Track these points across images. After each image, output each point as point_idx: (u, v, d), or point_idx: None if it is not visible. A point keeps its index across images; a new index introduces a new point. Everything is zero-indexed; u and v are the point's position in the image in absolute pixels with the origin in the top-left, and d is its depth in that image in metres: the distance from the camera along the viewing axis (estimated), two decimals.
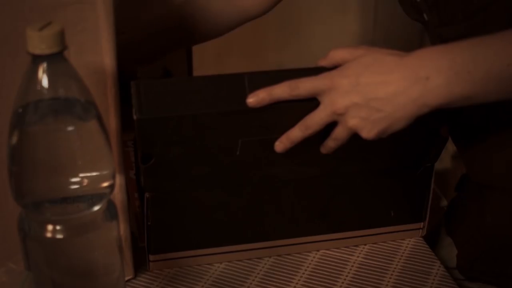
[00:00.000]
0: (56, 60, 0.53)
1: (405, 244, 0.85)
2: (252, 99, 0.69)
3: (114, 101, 0.67)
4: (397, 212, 0.83)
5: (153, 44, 0.95)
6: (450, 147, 0.89)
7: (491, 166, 0.81)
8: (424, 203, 0.84)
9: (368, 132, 0.68)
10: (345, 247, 0.84)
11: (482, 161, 0.82)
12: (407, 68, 0.65)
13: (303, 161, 0.75)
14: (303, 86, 0.68)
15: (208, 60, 1.45)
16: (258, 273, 0.79)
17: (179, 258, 0.79)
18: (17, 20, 0.60)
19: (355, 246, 0.84)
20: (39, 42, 0.52)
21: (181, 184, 0.75)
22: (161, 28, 0.96)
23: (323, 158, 0.74)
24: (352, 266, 0.81)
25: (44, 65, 0.53)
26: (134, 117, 0.68)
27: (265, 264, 0.81)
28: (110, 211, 0.60)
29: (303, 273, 0.79)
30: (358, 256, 0.82)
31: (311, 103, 0.69)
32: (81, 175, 0.55)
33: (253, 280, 0.78)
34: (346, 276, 0.79)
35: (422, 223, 0.85)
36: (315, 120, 0.69)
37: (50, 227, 0.57)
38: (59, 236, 0.57)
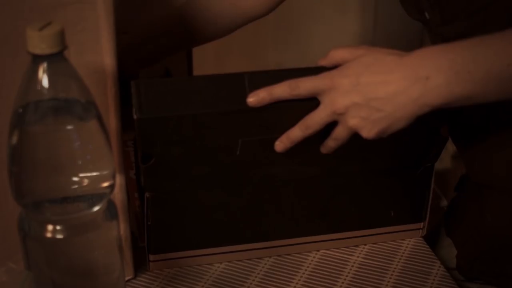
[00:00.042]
0: (56, 60, 0.53)
1: (405, 244, 0.85)
2: (252, 99, 0.69)
3: (114, 101, 0.67)
4: (397, 212, 0.83)
5: (154, 45, 0.95)
6: (450, 147, 0.89)
7: (491, 166, 0.81)
8: (424, 203, 0.84)
9: (368, 132, 0.68)
10: (345, 247, 0.84)
11: (482, 161, 0.82)
12: (407, 68, 0.65)
13: (303, 160, 0.75)
14: (303, 86, 0.68)
15: (208, 60, 1.45)
16: (258, 273, 0.79)
17: (179, 258, 0.79)
18: (17, 20, 0.60)
19: (355, 246, 0.84)
20: (39, 42, 0.52)
21: (181, 184, 0.75)
22: (161, 30, 0.96)
23: (323, 157, 0.74)
24: (352, 266, 0.81)
25: (44, 65, 0.53)
26: (134, 116, 0.68)
27: (265, 264, 0.81)
28: (110, 211, 0.60)
29: (303, 273, 0.79)
30: (358, 256, 0.82)
31: (311, 102, 0.69)
32: (81, 175, 0.55)
33: (253, 280, 0.78)
34: (346, 276, 0.79)
35: (422, 223, 0.85)
36: (315, 119, 0.69)
37: (50, 227, 0.57)
38: (59, 236, 0.57)
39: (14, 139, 0.54)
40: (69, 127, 0.55)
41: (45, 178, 0.55)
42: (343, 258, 0.82)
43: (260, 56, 1.86)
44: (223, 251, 0.80)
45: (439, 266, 0.81)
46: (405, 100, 0.65)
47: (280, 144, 0.72)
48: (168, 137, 0.70)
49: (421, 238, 0.86)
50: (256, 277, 0.79)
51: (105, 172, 0.57)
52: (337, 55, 0.70)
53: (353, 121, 0.67)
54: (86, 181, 0.56)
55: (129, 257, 0.76)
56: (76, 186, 0.56)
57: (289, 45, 1.84)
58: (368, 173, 0.80)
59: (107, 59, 0.65)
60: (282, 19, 1.73)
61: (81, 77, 0.55)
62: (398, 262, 0.81)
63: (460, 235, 0.89)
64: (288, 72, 0.70)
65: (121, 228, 0.71)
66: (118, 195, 0.71)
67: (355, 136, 0.69)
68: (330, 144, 0.72)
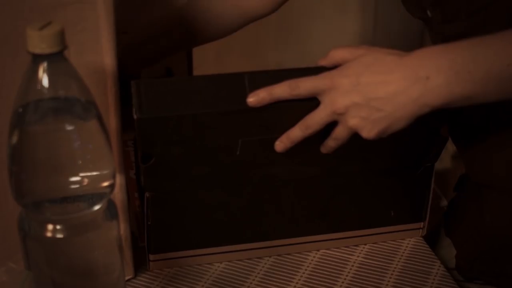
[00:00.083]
0: (56, 59, 0.53)
1: (405, 244, 0.85)
2: (253, 99, 0.69)
3: (114, 100, 0.67)
4: (397, 212, 0.83)
5: (154, 45, 0.95)
6: (450, 147, 0.89)
7: (491, 166, 0.81)
8: (424, 203, 0.84)
9: (368, 132, 0.68)
10: (345, 246, 0.84)
11: (482, 161, 0.82)
12: (407, 68, 0.65)
13: (303, 160, 0.75)
14: (304, 86, 0.68)
15: (208, 59, 1.45)
16: (258, 273, 0.79)
17: (179, 257, 0.79)
18: (17, 20, 0.60)
19: (355, 245, 0.84)
20: (39, 42, 0.52)
21: (181, 184, 0.75)
22: (161, 30, 0.96)
23: (323, 157, 0.74)
24: (352, 266, 0.81)
25: (44, 64, 0.53)
26: (135, 116, 0.68)
27: (265, 263, 0.81)
28: (110, 210, 0.60)
29: (303, 273, 0.79)
30: (358, 256, 0.82)
31: (311, 102, 0.69)
32: (81, 174, 0.55)
33: (253, 279, 0.78)
34: (346, 276, 0.79)
35: (422, 223, 0.85)
36: (315, 119, 0.69)
37: (50, 226, 0.57)
38: (59, 235, 0.57)
39: (14, 139, 0.54)
40: (69, 127, 0.55)
41: (45, 178, 0.55)
42: (343, 258, 0.82)
43: (260, 56, 1.86)
44: (223, 251, 0.80)
45: (439, 266, 0.81)
46: (405, 100, 0.65)
47: (280, 144, 0.72)
48: (168, 137, 0.70)
49: (421, 238, 0.86)
50: (256, 276, 0.79)
51: (105, 172, 0.57)
52: (337, 55, 0.70)
53: (353, 121, 0.67)
54: (86, 181, 0.56)
55: (129, 257, 0.76)
56: (76, 186, 0.56)
57: (289, 45, 1.84)
58: (368, 173, 0.80)
59: (107, 59, 0.65)
60: (283, 19, 1.73)
61: (81, 77, 0.55)
62: (398, 262, 0.81)
63: (459, 235, 0.89)
64: (288, 72, 0.70)
65: (121, 228, 0.71)
66: (118, 195, 0.71)
67: (355, 136, 0.69)
68: (330, 144, 0.72)
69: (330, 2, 1.82)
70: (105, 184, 0.57)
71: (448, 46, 0.66)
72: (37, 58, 0.53)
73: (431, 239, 0.91)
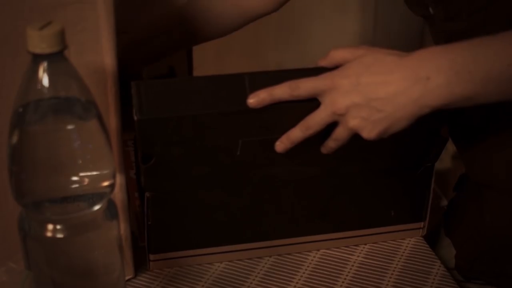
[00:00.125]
0: (57, 59, 0.53)
1: (405, 243, 0.85)
2: (253, 100, 0.69)
3: (114, 100, 0.67)
4: (397, 211, 0.83)
5: (154, 45, 0.95)
6: (450, 147, 0.88)
7: (491, 166, 0.81)
8: (425, 203, 0.84)
9: (368, 133, 0.68)
10: (345, 246, 0.84)
11: (482, 161, 0.82)
12: (408, 68, 0.65)
13: (303, 161, 0.75)
14: (304, 87, 0.68)
15: (208, 59, 1.45)
16: (259, 273, 0.79)
17: (179, 257, 0.79)
18: (17, 20, 0.60)
19: (355, 245, 0.84)
20: (39, 42, 0.52)
21: (181, 184, 0.75)
22: (161, 30, 0.96)
23: (323, 158, 0.74)
24: (353, 265, 0.81)
25: (45, 64, 0.53)
26: (135, 117, 0.68)
27: (265, 263, 0.81)
28: (111, 210, 0.60)
29: (303, 273, 0.79)
30: (358, 256, 0.82)
31: (311, 103, 0.69)
32: (81, 174, 0.55)
33: (253, 279, 0.78)
34: (346, 275, 0.79)
35: (422, 223, 0.85)
36: (315, 120, 0.69)
37: (50, 226, 0.57)
38: (59, 235, 0.57)
39: (14, 139, 0.54)
40: (69, 126, 0.55)
41: (45, 177, 0.55)
42: (343, 258, 0.82)
43: (260, 56, 1.86)
44: (223, 251, 0.80)
45: (439, 266, 0.81)
46: (405, 100, 0.65)
47: (281, 145, 0.72)
48: (169, 137, 0.70)
49: (421, 238, 0.86)
50: (256, 276, 0.79)
51: (105, 172, 0.57)
52: (337, 55, 0.70)
53: (354, 121, 0.67)
54: (86, 181, 0.56)
55: (129, 257, 0.76)
56: (76, 186, 0.56)
57: (289, 45, 1.84)
58: (368, 173, 0.80)
59: (107, 59, 0.65)
60: (282, 19, 1.73)
61: (81, 76, 0.55)
62: (398, 261, 0.81)
63: (459, 235, 0.89)
64: (288, 72, 0.70)
65: (121, 227, 0.71)
66: (118, 195, 0.71)
67: (355, 137, 0.69)
68: (331, 144, 0.72)
69: (330, 2, 1.82)
70: (105, 184, 0.57)
71: (448, 46, 0.66)
72: (37, 58, 0.53)
73: (431, 239, 0.91)
